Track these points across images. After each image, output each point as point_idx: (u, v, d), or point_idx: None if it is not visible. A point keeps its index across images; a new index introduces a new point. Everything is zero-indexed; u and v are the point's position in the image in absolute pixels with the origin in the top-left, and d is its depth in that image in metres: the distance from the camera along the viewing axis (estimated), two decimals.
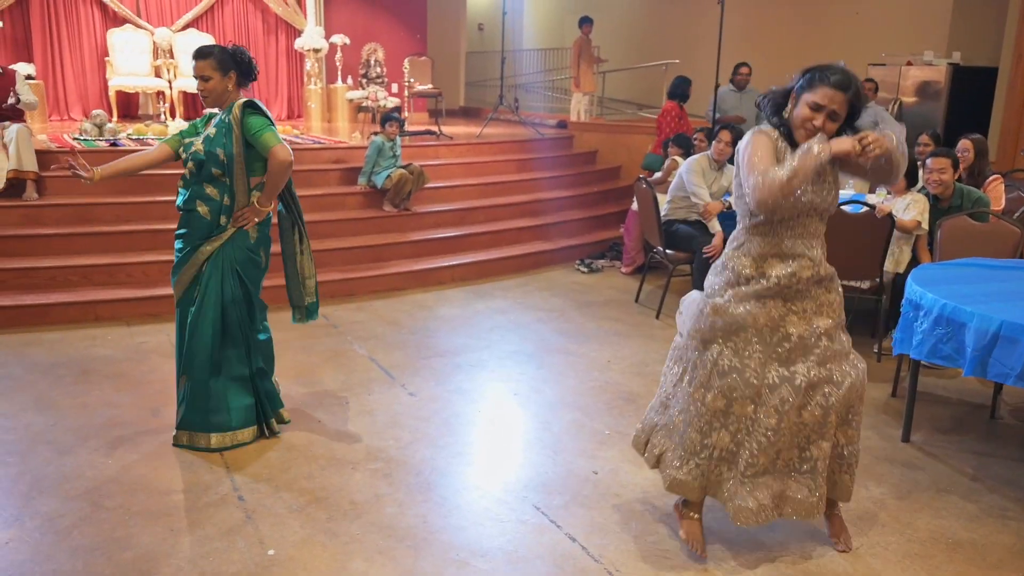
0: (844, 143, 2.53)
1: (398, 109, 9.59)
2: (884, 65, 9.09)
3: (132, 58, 9.74)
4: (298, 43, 10.63)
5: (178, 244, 3.61)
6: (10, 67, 6.64)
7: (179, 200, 3.61)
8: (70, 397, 4.19)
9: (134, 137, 7.55)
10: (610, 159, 9.63)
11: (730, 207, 5.40)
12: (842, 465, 2.93)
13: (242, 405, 3.67)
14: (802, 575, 2.82)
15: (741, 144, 2.75)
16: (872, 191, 5.93)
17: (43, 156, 6.24)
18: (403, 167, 6.94)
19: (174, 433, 3.67)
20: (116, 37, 9.71)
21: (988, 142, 8.37)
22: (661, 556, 2.90)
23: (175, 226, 3.67)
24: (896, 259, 5.13)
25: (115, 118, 9.29)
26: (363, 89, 9.80)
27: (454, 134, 9.06)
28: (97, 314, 5.39)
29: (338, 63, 10.59)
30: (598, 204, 8.61)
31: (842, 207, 4.96)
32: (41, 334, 5.13)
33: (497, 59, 11.01)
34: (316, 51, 10.57)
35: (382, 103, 9.28)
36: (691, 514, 2.95)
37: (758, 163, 2.60)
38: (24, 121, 6.27)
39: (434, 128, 9.19)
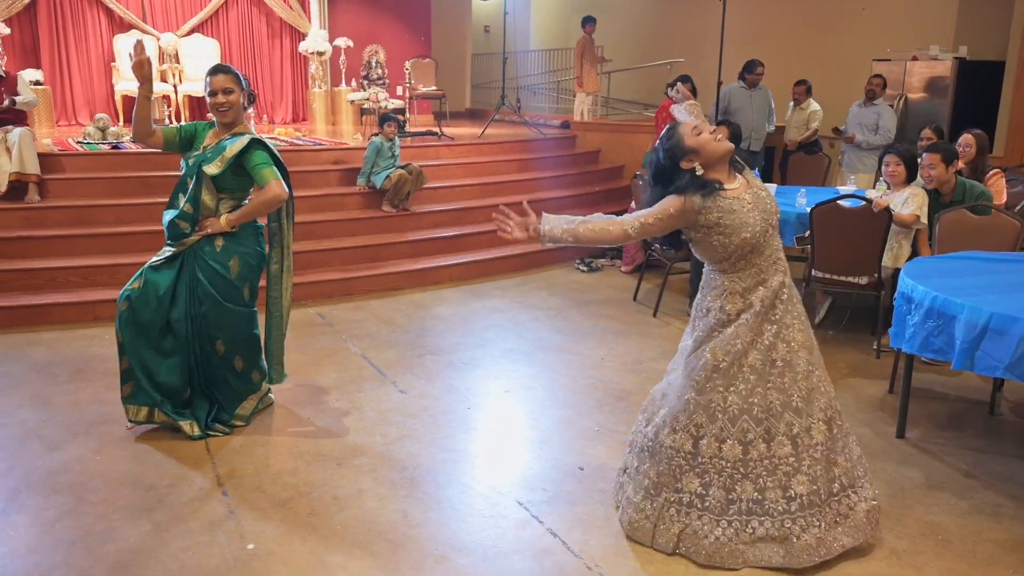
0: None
1: (400, 111, 9.62)
2: (889, 60, 9.02)
3: None
4: (302, 46, 10.67)
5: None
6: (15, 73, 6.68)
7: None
8: (64, 395, 4.22)
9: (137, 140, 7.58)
10: (613, 158, 9.61)
11: None
12: None
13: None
14: (777, 572, 2.79)
15: None
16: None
17: (45, 159, 6.31)
18: (402, 167, 6.95)
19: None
20: (122, 43, 9.78)
21: (996, 137, 8.33)
22: (643, 552, 2.87)
23: None
24: (895, 254, 5.08)
25: (121, 122, 9.37)
26: (364, 91, 9.83)
27: (456, 135, 9.06)
28: (96, 314, 5.42)
29: (342, 66, 10.62)
30: (600, 203, 8.57)
31: (838, 201, 4.92)
32: (40, 334, 5.17)
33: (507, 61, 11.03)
34: (320, 54, 10.61)
35: (383, 104, 9.29)
36: None
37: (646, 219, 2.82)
38: (27, 124, 6.33)
39: (435, 129, 9.19)
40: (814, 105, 8.24)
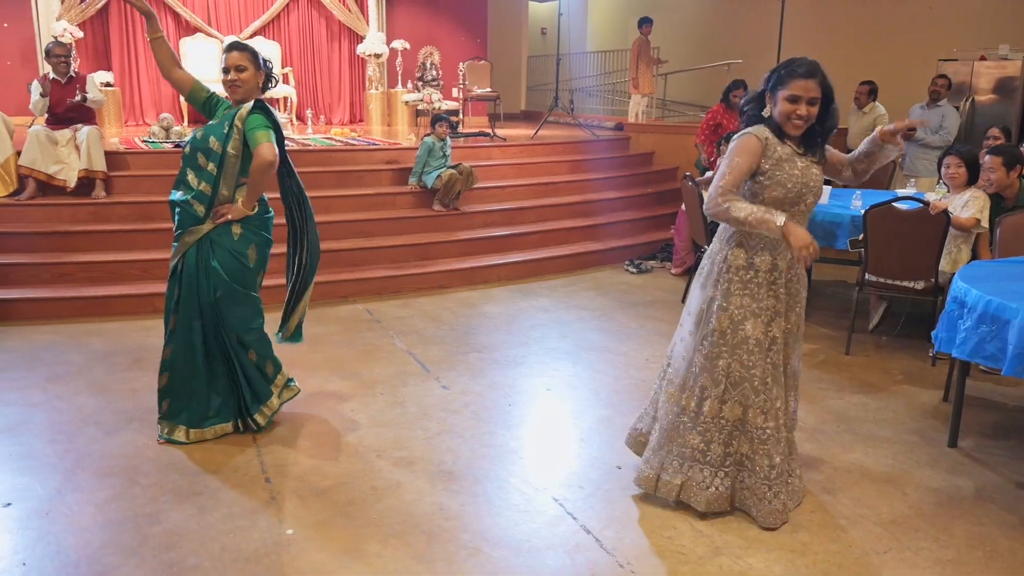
0: (797, 238, 2.73)
1: (454, 112, 9.70)
2: (956, 60, 8.75)
3: (202, 65, 10.06)
4: (360, 49, 10.85)
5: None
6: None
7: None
8: (121, 383, 4.37)
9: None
10: (667, 160, 9.54)
11: None
12: None
13: (217, 403, 3.71)
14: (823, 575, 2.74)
15: (734, 139, 2.93)
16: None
17: (112, 157, 6.54)
18: (452, 167, 7.02)
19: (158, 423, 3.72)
20: (188, 45, 10.09)
21: None
22: (676, 552, 2.86)
23: None
24: (954, 259, 4.93)
25: (185, 122, 9.66)
26: (419, 92, 9.94)
27: (509, 136, 9.11)
28: (155, 306, 5.57)
29: (398, 68, 10.77)
30: (652, 205, 8.53)
31: (894, 204, 4.80)
32: (102, 324, 5.36)
33: (561, 62, 11.03)
34: (377, 56, 10.77)
35: (436, 105, 9.39)
36: None
37: (728, 174, 2.85)
38: (95, 123, 6.57)
39: (487, 130, 9.25)
40: (879, 109, 7.99)
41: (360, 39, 10.98)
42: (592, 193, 8.19)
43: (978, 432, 3.91)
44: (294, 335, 3.89)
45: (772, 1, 9.43)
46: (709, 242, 5.64)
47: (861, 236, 4.98)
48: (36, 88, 6.26)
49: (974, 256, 4.91)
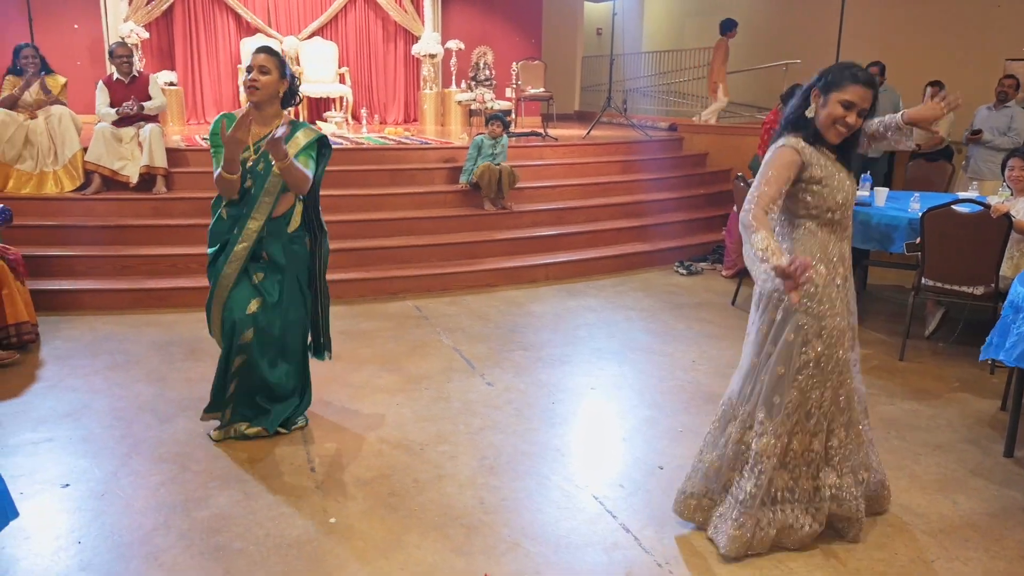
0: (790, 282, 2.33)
1: (507, 112, 9.74)
2: None
3: None
4: (415, 49, 10.96)
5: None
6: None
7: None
8: (177, 372, 4.51)
9: None
10: (720, 162, 9.42)
11: None
12: None
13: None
14: None
15: (772, 149, 2.71)
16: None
17: (173, 154, 6.74)
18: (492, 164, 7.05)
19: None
20: (248, 45, 10.31)
21: None
22: (714, 553, 2.83)
23: None
24: (1016, 263, 4.78)
25: None
26: (472, 92, 10.01)
27: (561, 136, 9.10)
28: None
29: (452, 68, 10.85)
30: (704, 207, 8.44)
31: (953, 206, 4.68)
32: (160, 315, 5.54)
33: (615, 63, 10.98)
34: (432, 56, 10.87)
35: (489, 105, 9.44)
36: None
37: (764, 188, 2.57)
38: (158, 121, 6.78)
39: (539, 130, 9.26)
40: None
41: (415, 39, 11.09)
42: (643, 194, 8.14)
43: None
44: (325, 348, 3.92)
45: (834, 2, 9.24)
46: None
47: (918, 239, 4.86)
48: (102, 92, 6.48)
49: None
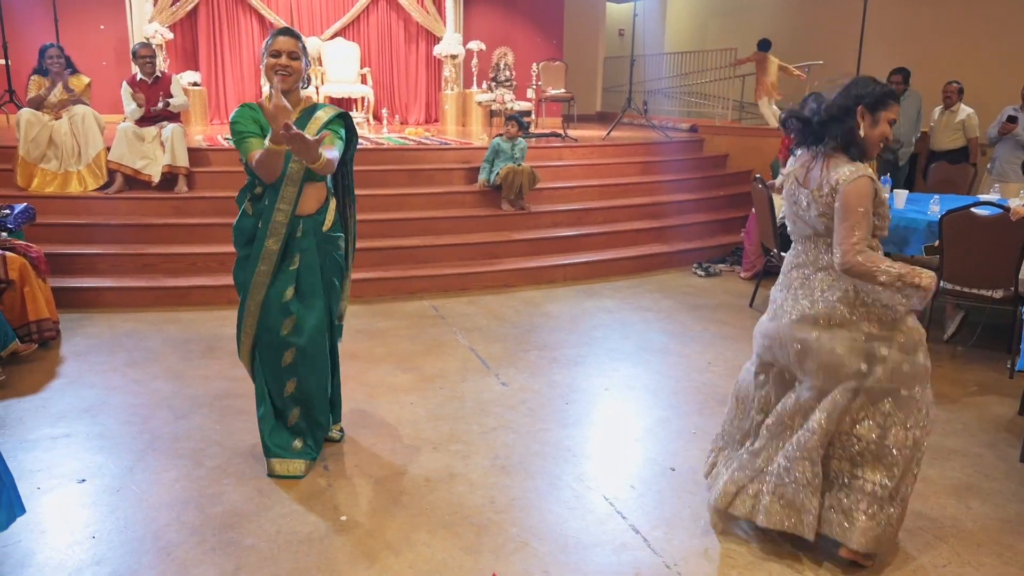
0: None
1: (527, 112, 9.75)
2: None
3: None
4: (436, 50, 11.01)
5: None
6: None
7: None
8: (194, 369, 4.56)
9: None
10: (741, 163, 9.37)
11: None
12: None
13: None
14: None
15: (847, 182, 2.58)
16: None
17: (194, 153, 6.82)
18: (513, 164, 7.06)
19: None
20: None
21: None
22: (724, 556, 2.83)
23: None
24: None
25: None
26: (492, 92, 10.03)
27: (581, 137, 9.10)
28: (230, 297, 5.76)
29: (474, 69, 10.88)
30: (724, 208, 8.40)
31: (972, 209, 4.63)
32: (180, 313, 5.61)
33: (637, 64, 10.96)
34: (453, 57, 10.90)
35: (509, 106, 9.45)
36: None
37: (859, 232, 2.55)
38: (179, 121, 6.86)
39: (559, 131, 9.26)
40: (965, 110, 7.68)
41: (437, 40, 11.13)
42: (662, 195, 8.12)
43: None
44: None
45: (854, 1, 9.15)
46: (778, 247, 5.58)
47: (937, 242, 4.81)
48: (127, 93, 6.57)
49: None
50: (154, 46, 7.96)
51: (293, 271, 3.27)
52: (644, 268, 7.08)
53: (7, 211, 5.13)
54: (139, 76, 6.67)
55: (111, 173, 6.51)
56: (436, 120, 11.52)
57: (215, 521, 3.00)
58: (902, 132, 7.37)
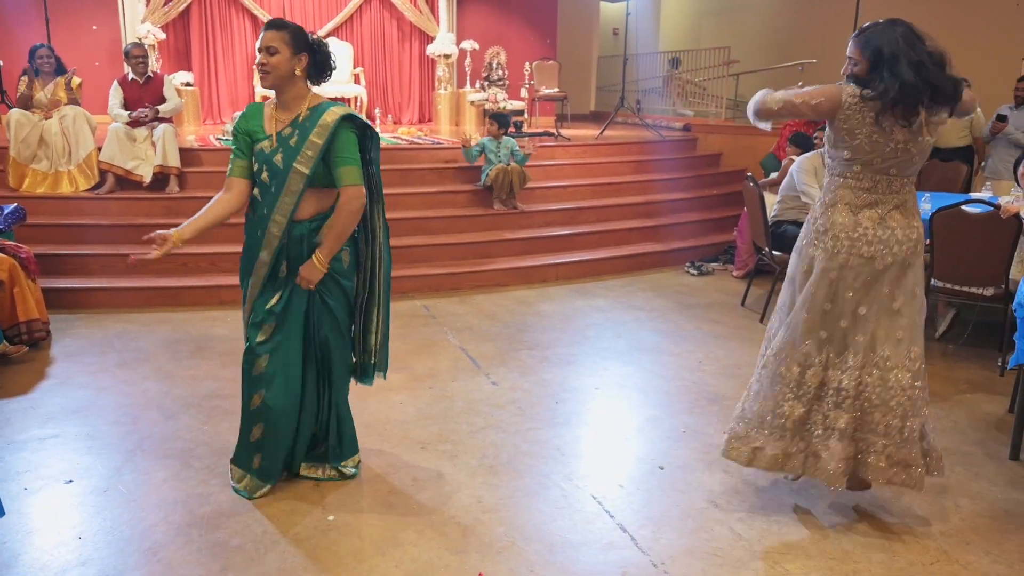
0: None
1: (520, 112, 9.73)
2: None
3: None
4: (430, 49, 11.00)
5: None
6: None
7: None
8: (184, 369, 4.55)
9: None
10: (734, 162, 9.38)
11: None
12: None
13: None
14: None
15: None
16: None
17: (186, 153, 6.81)
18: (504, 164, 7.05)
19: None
20: None
21: None
22: (712, 554, 2.82)
23: None
24: None
25: None
26: (485, 92, 10.02)
27: (575, 136, 9.09)
28: (220, 297, 5.81)
29: (467, 68, 10.87)
30: (717, 207, 8.39)
31: (962, 207, 4.63)
32: (170, 313, 5.59)
33: (630, 63, 10.95)
34: (447, 57, 10.89)
35: (502, 105, 9.44)
36: None
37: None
38: (171, 121, 6.85)
39: (552, 130, 9.25)
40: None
41: (430, 40, 11.12)
42: (655, 194, 8.11)
43: None
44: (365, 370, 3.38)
45: (850, 1, 9.18)
46: (770, 245, 5.58)
47: (928, 240, 4.81)
48: (115, 93, 6.55)
49: None
50: (146, 46, 7.95)
51: (283, 279, 3.07)
52: (637, 267, 7.08)
53: None
54: (131, 76, 6.65)
55: (102, 173, 6.49)
56: (430, 120, 11.50)
57: (202, 521, 2.99)
58: None
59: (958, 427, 3.94)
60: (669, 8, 14.72)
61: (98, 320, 5.39)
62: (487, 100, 9.72)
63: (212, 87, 10.49)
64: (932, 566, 2.77)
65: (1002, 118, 7.08)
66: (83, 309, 5.57)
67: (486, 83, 10.16)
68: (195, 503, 3.12)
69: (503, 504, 3.14)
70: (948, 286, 4.79)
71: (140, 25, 9.46)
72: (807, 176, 5.49)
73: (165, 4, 9.82)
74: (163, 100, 6.70)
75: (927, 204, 5.38)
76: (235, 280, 6.01)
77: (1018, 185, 5.06)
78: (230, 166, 3.08)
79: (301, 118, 2.97)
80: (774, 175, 6.71)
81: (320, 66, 3.02)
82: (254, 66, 3.08)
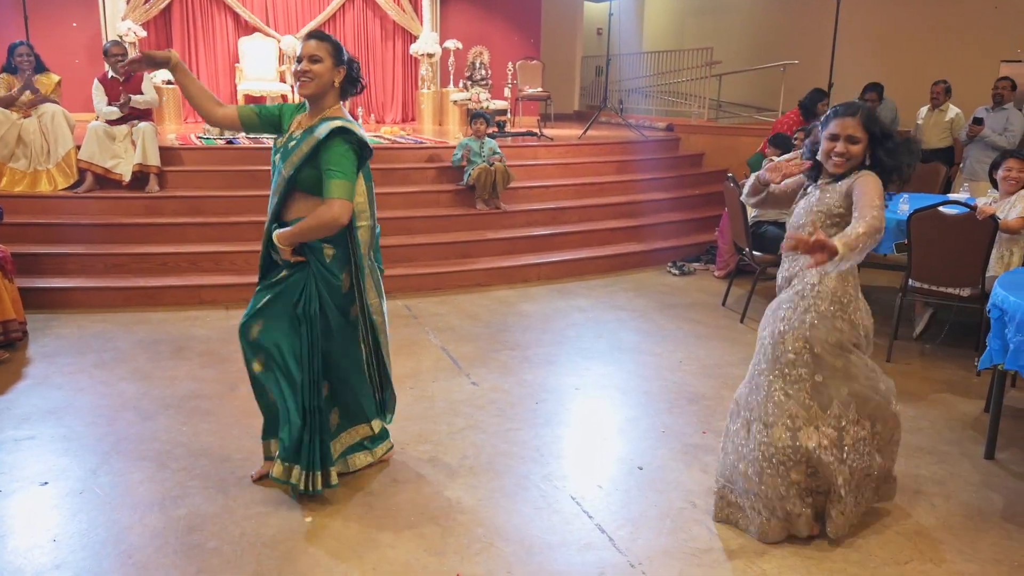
0: None
1: (503, 111, 9.73)
2: (1020, 62, 8.43)
3: (260, 64, 10.35)
4: (413, 48, 10.97)
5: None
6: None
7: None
8: (162, 370, 4.52)
9: (251, 136, 8.02)
10: (717, 162, 9.42)
11: None
12: None
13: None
14: None
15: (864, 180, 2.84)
16: None
17: (166, 152, 6.76)
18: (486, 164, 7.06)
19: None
20: (246, 44, 10.34)
21: None
22: (689, 554, 2.83)
23: None
24: (1006, 263, 4.77)
25: None
26: (468, 91, 10.01)
27: (558, 136, 9.09)
28: (200, 297, 5.78)
29: (450, 67, 10.85)
30: (700, 207, 8.43)
31: (940, 208, 4.67)
32: (150, 313, 5.55)
33: (615, 63, 10.97)
34: (430, 56, 10.87)
35: (485, 105, 9.44)
36: None
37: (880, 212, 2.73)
38: (151, 120, 6.80)
39: (534, 129, 9.26)
40: (954, 109, 7.82)
41: (413, 39, 11.10)
42: (638, 194, 8.14)
43: (1018, 444, 3.78)
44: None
45: (829, 1, 9.23)
46: (751, 246, 5.60)
47: (907, 240, 4.85)
48: (98, 91, 6.50)
49: None
50: (127, 44, 7.88)
51: (276, 281, 3.09)
52: (619, 267, 7.09)
53: None
54: (111, 74, 6.59)
55: (81, 172, 6.43)
56: (413, 119, 11.48)
57: (179, 524, 2.98)
58: None
59: (934, 426, 3.98)
60: (652, 8, 14.74)
61: (76, 320, 5.35)
62: (470, 100, 9.71)
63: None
64: (907, 565, 2.79)
65: (978, 121, 7.17)
66: (61, 309, 5.52)
67: (469, 82, 10.15)
68: (171, 505, 3.10)
69: (482, 505, 3.14)
70: (925, 286, 4.83)
71: (120, 23, 9.38)
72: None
73: (146, 2, 9.74)
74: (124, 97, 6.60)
75: (905, 205, 5.43)
76: (215, 280, 6.02)
77: (994, 187, 5.10)
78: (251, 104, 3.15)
79: (311, 126, 3.00)
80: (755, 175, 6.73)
81: (352, 82, 3.10)
82: (293, 72, 3.07)
